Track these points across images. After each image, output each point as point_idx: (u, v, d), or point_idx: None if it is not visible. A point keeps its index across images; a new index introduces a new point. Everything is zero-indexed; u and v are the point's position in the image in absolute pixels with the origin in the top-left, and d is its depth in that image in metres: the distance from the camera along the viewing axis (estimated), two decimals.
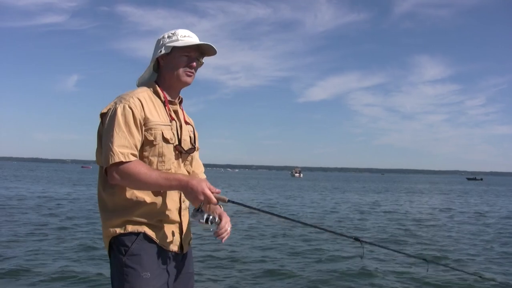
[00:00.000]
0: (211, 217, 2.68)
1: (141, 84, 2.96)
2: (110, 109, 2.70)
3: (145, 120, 2.70)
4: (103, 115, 2.73)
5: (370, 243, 3.59)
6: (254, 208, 2.96)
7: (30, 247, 10.33)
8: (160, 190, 2.70)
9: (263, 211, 3.08)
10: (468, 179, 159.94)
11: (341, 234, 3.82)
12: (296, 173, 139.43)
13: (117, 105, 2.67)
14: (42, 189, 32.66)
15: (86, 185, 39.94)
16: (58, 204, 21.33)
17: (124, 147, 2.58)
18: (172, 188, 2.64)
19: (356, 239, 3.28)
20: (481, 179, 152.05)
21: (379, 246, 4.12)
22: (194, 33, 2.93)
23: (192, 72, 2.90)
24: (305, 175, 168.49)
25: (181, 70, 2.86)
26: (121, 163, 2.55)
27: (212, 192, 2.57)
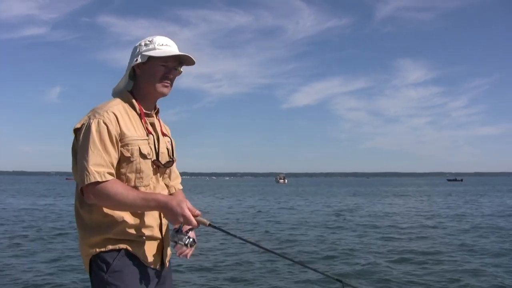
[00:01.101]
0: (190, 239, 2.62)
1: (116, 93, 2.81)
2: (83, 124, 2.54)
3: (121, 135, 2.56)
4: (76, 131, 2.58)
5: (353, 286, 3.43)
6: (236, 236, 2.86)
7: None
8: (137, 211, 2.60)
9: (245, 240, 2.91)
10: (449, 180, 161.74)
11: (323, 274, 3.50)
12: (281, 179, 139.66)
13: (91, 121, 2.52)
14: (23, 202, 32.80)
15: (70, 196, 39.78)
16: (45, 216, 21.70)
17: (99, 165, 2.45)
18: (150, 209, 2.55)
19: (338, 280, 3.07)
20: (461, 180, 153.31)
21: None
22: (174, 42, 2.80)
23: (169, 83, 2.75)
24: (291, 181, 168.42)
25: (157, 81, 2.70)
26: (97, 183, 2.42)
27: (193, 214, 2.48)
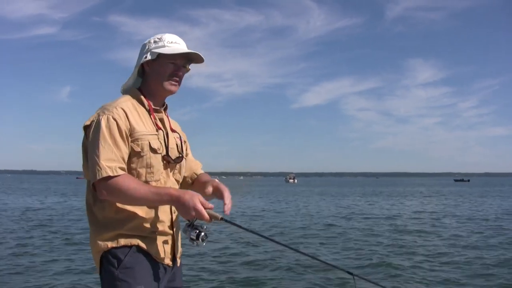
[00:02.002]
0: (202, 234, 2.56)
1: (125, 91, 2.83)
2: (93, 121, 2.56)
3: (131, 130, 2.58)
4: (86, 128, 2.59)
5: (364, 278, 3.38)
6: (248, 230, 2.86)
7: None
8: (151, 205, 2.60)
9: (257, 234, 2.89)
10: (456, 180, 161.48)
11: (334, 266, 3.56)
12: (291, 179, 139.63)
13: (100, 117, 2.54)
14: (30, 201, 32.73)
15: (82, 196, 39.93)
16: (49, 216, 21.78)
17: (111, 160, 2.46)
18: (163, 203, 2.54)
19: (349, 273, 3.09)
20: (468, 181, 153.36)
21: (372, 282, 3.71)
22: (185, 41, 2.81)
23: (177, 81, 2.77)
24: (300, 180, 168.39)
25: (166, 78, 2.72)
26: (109, 177, 2.43)
27: (205, 208, 2.46)
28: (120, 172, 2.47)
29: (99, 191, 2.48)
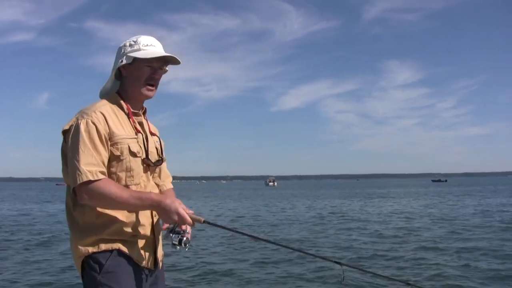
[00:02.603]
0: (184, 238, 2.60)
1: (103, 95, 2.82)
2: (72, 125, 2.55)
3: (110, 134, 2.57)
4: (65, 132, 2.58)
5: (351, 266, 3.47)
6: (231, 229, 2.91)
7: None
8: (132, 210, 2.60)
9: (239, 232, 2.95)
10: (433, 181, 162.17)
11: (323, 258, 3.67)
12: (271, 182, 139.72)
13: (79, 121, 2.52)
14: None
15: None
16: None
17: (91, 165, 2.45)
18: (145, 208, 2.56)
19: (337, 262, 3.17)
20: (446, 181, 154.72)
21: (360, 269, 3.64)
22: (163, 46, 2.80)
23: (154, 85, 2.77)
24: (280, 183, 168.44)
25: (143, 83, 2.72)
26: (90, 182, 2.42)
27: (186, 213, 2.51)
28: (101, 176, 2.47)
29: (80, 195, 2.47)
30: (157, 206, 2.49)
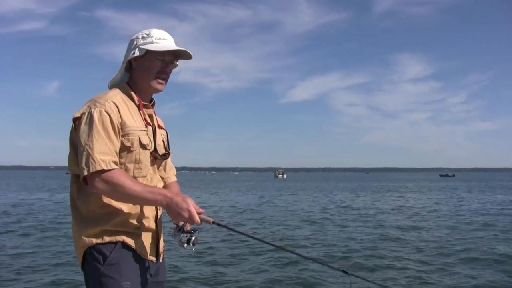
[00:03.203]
0: (193, 238, 2.59)
1: (113, 86, 2.80)
2: (83, 113, 2.53)
3: (122, 125, 2.57)
4: (76, 120, 2.56)
5: (359, 277, 3.39)
6: (240, 232, 2.88)
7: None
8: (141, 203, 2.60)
9: (248, 235, 2.94)
10: (441, 175, 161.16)
11: (329, 266, 3.52)
12: (280, 174, 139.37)
13: (92, 110, 2.51)
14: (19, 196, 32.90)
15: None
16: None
17: (105, 154, 2.44)
18: (156, 203, 2.53)
19: (345, 272, 3.09)
20: (453, 176, 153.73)
21: (368, 280, 3.62)
22: (173, 36, 2.80)
23: (165, 79, 2.78)
24: (289, 176, 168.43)
25: (154, 75, 2.73)
26: (103, 171, 2.42)
27: (197, 212, 2.48)
28: (114, 166, 2.47)
29: (91, 184, 2.45)
30: (169, 202, 2.46)
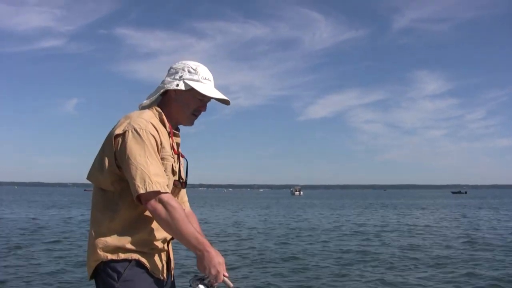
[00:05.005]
0: None
1: (144, 107, 2.80)
2: (126, 131, 2.52)
3: (161, 148, 2.60)
4: (117, 136, 2.54)
5: None
6: None
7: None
8: (175, 238, 2.60)
9: None
10: (453, 192, 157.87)
11: None
12: (296, 191, 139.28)
13: (137, 128, 2.51)
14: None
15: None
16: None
17: (159, 176, 2.48)
18: (193, 249, 2.51)
19: None
20: (465, 192, 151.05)
21: None
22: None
23: (197, 116, 2.83)
24: (306, 193, 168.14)
25: (190, 112, 2.76)
26: (159, 192, 2.44)
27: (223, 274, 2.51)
28: (167, 190, 2.51)
29: (149, 203, 2.46)
30: (204, 254, 2.46)
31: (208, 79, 2.77)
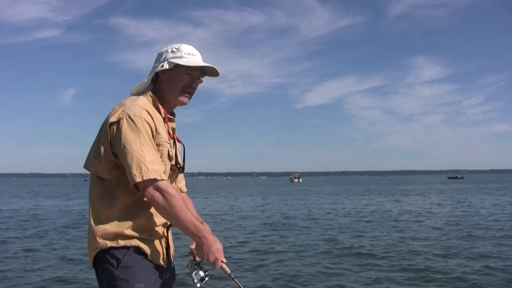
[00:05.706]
0: (207, 278, 2.71)
1: (136, 94, 2.80)
2: (120, 118, 2.54)
3: (156, 135, 2.62)
4: (112, 124, 2.56)
5: None
6: None
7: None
8: (173, 224, 2.64)
9: None
10: (449, 178, 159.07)
11: None
12: (295, 178, 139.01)
13: (131, 116, 2.53)
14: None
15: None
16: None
17: (154, 163, 2.49)
18: (192, 235, 2.57)
19: None
20: (462, 178, 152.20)
21: None
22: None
23: (190, 93, 2.80)
24: (306, 180, 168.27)
25: (180, 89, 2.74)
26: (155, 180, 2.46)
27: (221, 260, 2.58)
28: (164, 177, 2.53)
29: (146, 191, 2.49)
30: (202, 241, 2.53)
31: (192, 54, 2.78)
